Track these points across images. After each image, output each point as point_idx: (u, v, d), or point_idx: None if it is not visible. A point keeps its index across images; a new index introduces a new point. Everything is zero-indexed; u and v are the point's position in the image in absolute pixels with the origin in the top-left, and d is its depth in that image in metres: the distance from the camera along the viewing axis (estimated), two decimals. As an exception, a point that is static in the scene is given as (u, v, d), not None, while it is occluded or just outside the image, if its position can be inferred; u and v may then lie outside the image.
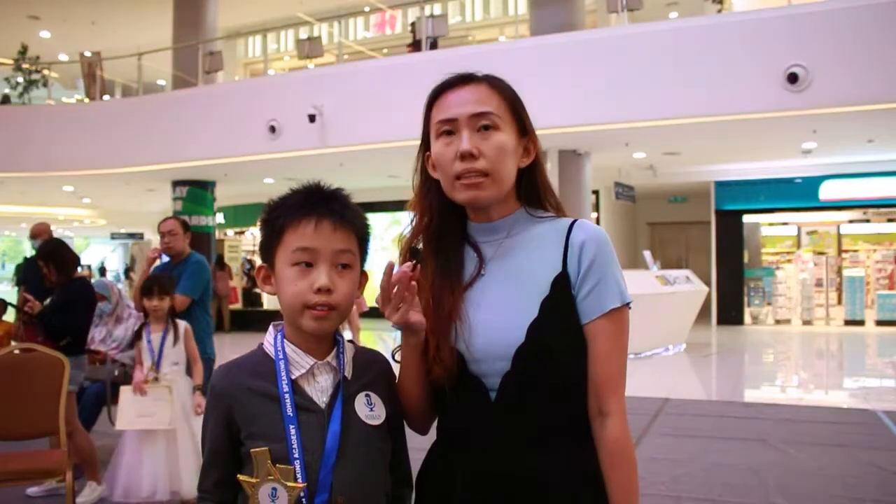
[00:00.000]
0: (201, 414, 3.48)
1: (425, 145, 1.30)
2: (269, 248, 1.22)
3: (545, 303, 1.20)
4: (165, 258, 4.45)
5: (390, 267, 1.15)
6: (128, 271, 21.46)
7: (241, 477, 1.15)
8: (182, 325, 3.82)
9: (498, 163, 1.22)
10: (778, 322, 13.87)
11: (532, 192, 1.32)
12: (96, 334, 4.78)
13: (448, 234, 1.29)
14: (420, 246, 1.31)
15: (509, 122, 1.25)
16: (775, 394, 7.90)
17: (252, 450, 1.15)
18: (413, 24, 12.72)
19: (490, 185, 1.22)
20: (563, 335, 1.21)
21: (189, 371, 3.84)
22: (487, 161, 1.21)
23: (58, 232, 13.20)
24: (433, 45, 10.36)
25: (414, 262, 1.16)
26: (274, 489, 1.13)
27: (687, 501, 3.90)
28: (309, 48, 10.92)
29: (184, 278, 4.25)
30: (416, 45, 11.51)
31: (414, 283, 1.15)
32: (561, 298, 1.21)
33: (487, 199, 1.25)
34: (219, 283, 13.89)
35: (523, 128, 1.28)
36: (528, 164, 1.29)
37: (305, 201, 1.20)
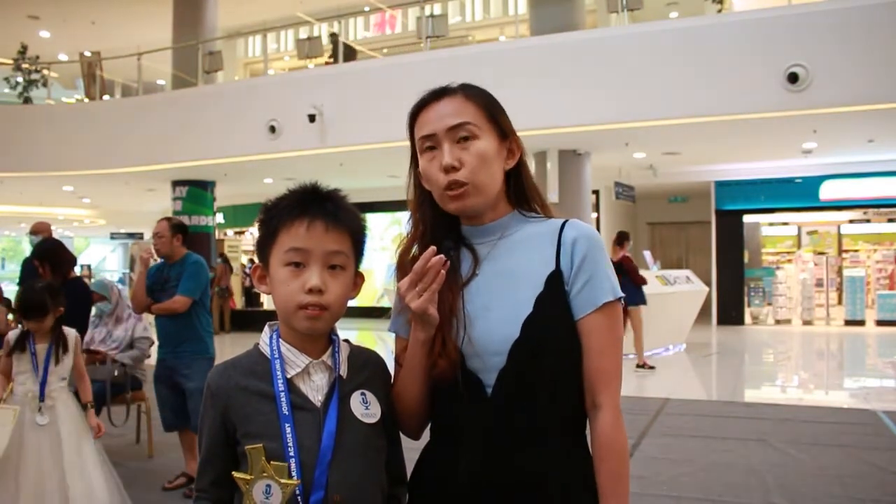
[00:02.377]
0: (102, 435, 3.26)
1: (415, 160, 1.33)
2: (264, 248, 1.23)
3: (539, 299, 1.22)
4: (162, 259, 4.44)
5: (433, 251, 1.16)
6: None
7: (235, 474, 1.16)
8: (71, 334, 3.22)
9: (480, 171, 1.25)
10: (778, 322, 13.87)
11: (519, 192, 1.35)
12: (96, 334, 4.78)
13: (443, 237, 1.31)
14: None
15: (487, 128, 1.28)
16: (775, 394, 7.90)
17: (246, 447, 1.15)
18: (332, 35, 12.68)
19: (475, 193, 1.25)
20: (558, 330, 1.23)
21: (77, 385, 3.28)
22: (469, 171, 1.24)
23: (57, 232, 13.19)
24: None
25: (446, 259, 1.18)
26: (268, 486, 1.13)
27: (687, 501, 3.90)
28: (309, 48, 10.93)
29: (183, 279, 4.24)
30: (335, 57, 11.55)
31: (443, 272, 1.16)
32: (555, 295, 1.23)
33: (475, 208, 1.27)
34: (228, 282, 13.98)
35: (503, 131, 1.30)
36: (513, 165, 1.32)
37: (299, 202, 1.21)
